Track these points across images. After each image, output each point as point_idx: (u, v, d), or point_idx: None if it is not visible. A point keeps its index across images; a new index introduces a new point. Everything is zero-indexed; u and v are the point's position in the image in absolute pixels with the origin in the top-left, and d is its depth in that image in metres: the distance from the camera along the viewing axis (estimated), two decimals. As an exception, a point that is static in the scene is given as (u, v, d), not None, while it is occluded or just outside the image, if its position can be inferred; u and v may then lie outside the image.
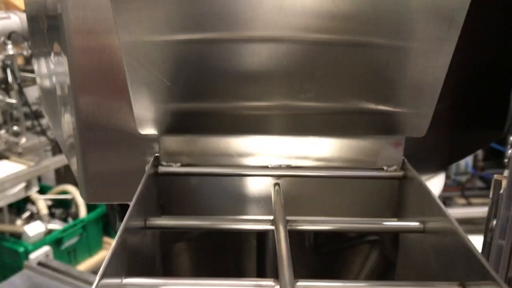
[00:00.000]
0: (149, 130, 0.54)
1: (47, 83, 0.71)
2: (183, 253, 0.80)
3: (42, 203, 2.51)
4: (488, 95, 0.64)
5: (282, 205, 0.51)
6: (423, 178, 0.53)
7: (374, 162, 0.57)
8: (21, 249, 2.20)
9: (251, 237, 0.81)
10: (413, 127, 0.54)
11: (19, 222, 2.47)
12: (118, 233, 0.40)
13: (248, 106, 0.52)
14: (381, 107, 0.52)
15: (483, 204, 2.77)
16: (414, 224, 0.50)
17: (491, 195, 0.52)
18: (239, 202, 0.58)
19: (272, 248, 0.69)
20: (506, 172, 0.52)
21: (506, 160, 0.53)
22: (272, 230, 0.48)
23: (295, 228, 0.49)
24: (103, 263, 0.37)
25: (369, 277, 0.78)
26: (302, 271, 0.77)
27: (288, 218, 0.49)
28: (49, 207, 2.59)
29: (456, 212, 2.68)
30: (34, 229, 2.33)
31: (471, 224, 2.61)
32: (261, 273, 0.73)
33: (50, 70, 0.65)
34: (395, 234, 0.59)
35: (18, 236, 2.35)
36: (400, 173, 0.57)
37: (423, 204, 0.50)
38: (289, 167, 0.56)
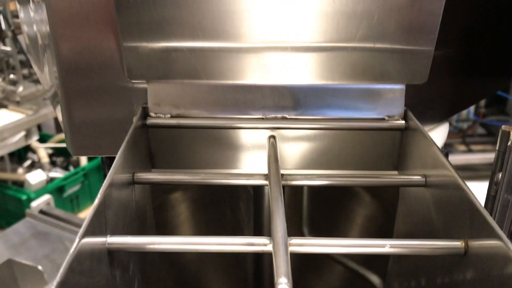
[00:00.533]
0: (138, 76, 0.51)
1: (30, 31, 0.67)
2: (178, 205, 0.79)
3: (42, 152, 2.52)
4: (494, 41, 0.60)
5: (277, 158, 0.49)
6: (426, 128, 0.51)
7: (374, 112, 0.54)
8: (24, 197, 2.23)
9: (249, 187, 0.79)
10: (414, 72, 0.51)
11: (20, 170, 2.49)
12: (101, 189, 0.38)
13: (241, 49, 0.49)
14: (379, 50, 0.49)
15: (483, 151, 2.78)
16: (416, 177, 0.48)
17: (497, 147, 0.49)
18: (232, 155, 0.56)
19: (268, 202, 0.67)
20: (514, 123, 0.49)
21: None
22: (267, 185, 0.46)
23: (290, 183, 0.47)
24: (85, 222, 0.35)
25: (367, 231, 0.76)
26: (299, 223, 0.76)
27: (283, 172, 0.47)
28: (50, 156, 2.60)
29: (456, 158, 2.69)
30: (35, 177, 2.35)
31: (471, 170, 2.63)
32: (258, 227, 0.72)
33: (30, 17, 0.61)
34: (396, 188, 0.57)
35: (20, 184, 2.37)
36: (402, 124, 0.54)
37: (426, 156, 0.48)
38: (284, 119, 0.53)
